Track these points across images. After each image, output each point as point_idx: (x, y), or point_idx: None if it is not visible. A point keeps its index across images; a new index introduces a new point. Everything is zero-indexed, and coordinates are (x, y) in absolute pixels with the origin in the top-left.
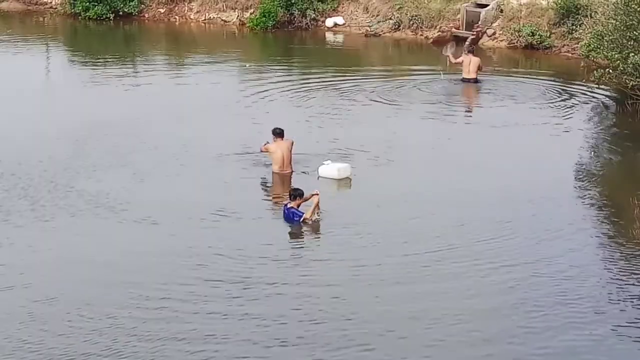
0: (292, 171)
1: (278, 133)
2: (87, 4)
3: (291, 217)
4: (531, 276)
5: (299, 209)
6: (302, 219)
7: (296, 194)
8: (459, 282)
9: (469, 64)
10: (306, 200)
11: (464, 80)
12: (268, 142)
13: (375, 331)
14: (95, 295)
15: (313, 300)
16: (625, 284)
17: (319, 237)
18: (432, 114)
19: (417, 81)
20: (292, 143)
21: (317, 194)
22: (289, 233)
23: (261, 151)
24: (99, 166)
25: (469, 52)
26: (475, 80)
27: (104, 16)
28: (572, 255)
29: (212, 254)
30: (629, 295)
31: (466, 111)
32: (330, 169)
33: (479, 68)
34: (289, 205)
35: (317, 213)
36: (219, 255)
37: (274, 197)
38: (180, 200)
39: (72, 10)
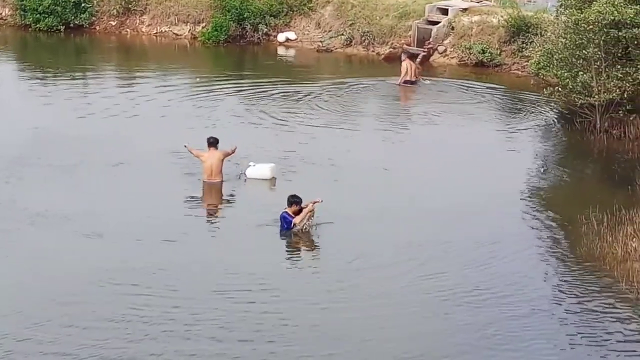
0: (222, 180)
1: (211, 142)
2: (38, 15)
3: (282, 222)
4: (476, 294)
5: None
6: (292, 224)
7: (293, 201)
8: (403, 300)
9: (410, 67)
10: (305, 207)
11: (405, 82)
12: (200, 150)
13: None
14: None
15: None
16: (572, 301)
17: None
18: (380, 126)
19: (360, 87)
20: (228, 153)
21: (313, 204)
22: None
23: (187, 149)
24: (42, 179)
25: (407, 57)
26: (415, 82)
27: (55, 28)
28: (519, 274)
29: (149, 268)
30: (576, 311)
31: (411, 128)
32: (257, 170)
33: (418, 71)
34: (284, 210)
35: (310, 219)
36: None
37: (203, 206)
38: (121, 214)
39: (23, 22)
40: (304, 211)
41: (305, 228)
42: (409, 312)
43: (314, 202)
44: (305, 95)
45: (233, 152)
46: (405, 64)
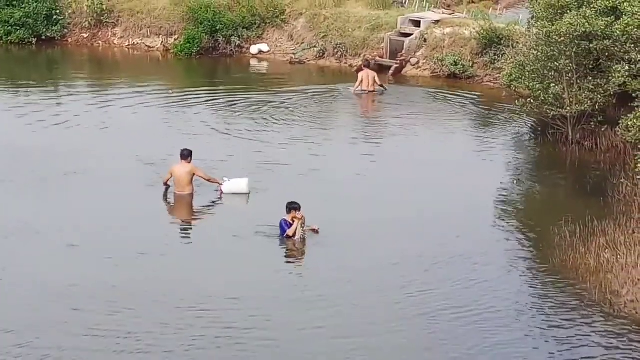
0: (192, 192)
1: (183, 155)
2: (9, 27)
3: (280, 229)
4: (446, 306)
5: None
6: (285, 234)
7: (291, 207)
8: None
9: (367, 77)
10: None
11: (362, 91)
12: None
13: None
14: None
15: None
16: (545, 313)
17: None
18: (349, 139)
19: (317, 95)
20: (200, 175)
21: (302, 218)
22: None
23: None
24: (12, 192)
25: (365, 66)
26: (373, 92)
27: (27, 40)
28: (490, 285)
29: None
30: (548, 322)
31: (378, 138)
32: (232, 185)
33: (375, 81)
34: (283, 218)
35: (304, 230)
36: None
37: (173, 219)
38: (92, 227)
39: None
40: (296, 222)
41: (302, 237)
42: (382, 325)
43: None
44: (266, 105)
45: (210, 180)
46: (361, 74)
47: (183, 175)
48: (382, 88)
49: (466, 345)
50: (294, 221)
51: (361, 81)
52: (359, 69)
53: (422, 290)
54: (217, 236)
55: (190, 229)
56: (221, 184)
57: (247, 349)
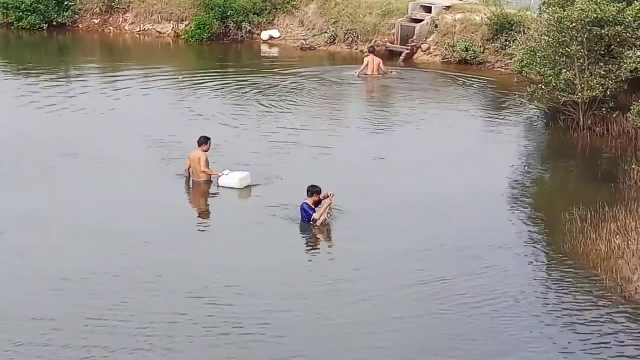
0: (204, 180)
1: (199, 141)
2: (21, 13)
3: (302, 213)
4: (459, 291)
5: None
6: (311, 219)
7: (313, 191)
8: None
9: (372, 62)
10: (324, 198)
11: (366, 75)
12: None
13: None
14: None
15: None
16: (556, 299)
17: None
18: (359, 125)
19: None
20: (202, 158)
21: (330, 196)
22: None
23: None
24: (27, 179)
25: (370, 52)
26: (377, 77)
27: (38, 26)
28: (502, 270)
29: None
30: (560, 308)
31: (391, 127)
32: (231, 179)
33: (380, 67)
34: (304, 201)
35: (329, 215)
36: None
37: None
38: (108, 212)
39: (5, 20)
40: (323, 207)
41: (326, 222)
42: (393, 315)
43: (326, 197)
44: (274, 88)
45: (205, 172)
46: (367, 59)
47: (195, 162)
48: (385, 74)
49: (476, 331)
50: (315, 205)
51: (366, 65)
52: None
53: (431, 273)
54: (233, 223)
55: (206, 216)
56: (220, 176)
57: (262, 339)
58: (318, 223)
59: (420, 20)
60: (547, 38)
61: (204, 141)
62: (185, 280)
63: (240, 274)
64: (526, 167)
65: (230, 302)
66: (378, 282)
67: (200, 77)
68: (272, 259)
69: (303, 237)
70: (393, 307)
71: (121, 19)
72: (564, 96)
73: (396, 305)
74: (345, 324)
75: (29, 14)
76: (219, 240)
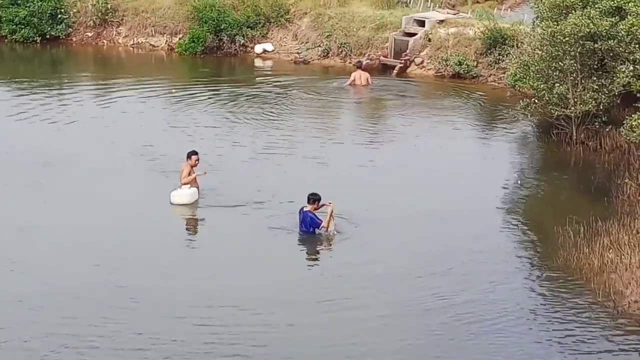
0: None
1: (187, 155)
2: (14, 26)
3: (308, 222)
4: (450, 304)
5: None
6: (320, 227)
7: (314, 198)
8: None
9: (360, 77)
10: (322, 207)
11: (354, 85)
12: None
13: None
14: None
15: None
16: (549, 313)
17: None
18: (352, 139)
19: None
20: (183, 170)
21: (330, 204)
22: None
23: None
24: (18, 191)
25: (357, 67)
26: (367, 88)
27: (31, 39)
28: (495, 284)
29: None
30: (552, 322)
31: (383, 141)
32: (180, 195)
33: (368, 81)
34: (305, 209)
35: (333, 223)
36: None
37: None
38: (97, 221)
39: None
40: (328, 215)
41: (333, 232)
42: (388, 323)
43: (326, 204)
44: (265, 98)
45: (181, 183)
46: (354, 74)
47: (180, 175)
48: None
49: (466, 343)
50: (315, 212)
51: (353, 80)
52: (364, 69)
53: (423, 285)
54: (229, 234)
55: (197, 229)
56: (198, 175)
57: (268, 343)
58: (326, 230)
59: (414, 34)
60: (540, 52)
61: (190, 154)
62: (176, 295)
63: (234, 288)
64: (519, 182)
65: (228, 317)
66: (376, 299)
67: (194, 90)
68: (265, 273)
69: (300, 250)
70: (392, 324)
71: (115, 32)
72: (556, 110)
73: (393, 321)
74: (344, 346)
75: (23, 27)
76: (210, 253)
